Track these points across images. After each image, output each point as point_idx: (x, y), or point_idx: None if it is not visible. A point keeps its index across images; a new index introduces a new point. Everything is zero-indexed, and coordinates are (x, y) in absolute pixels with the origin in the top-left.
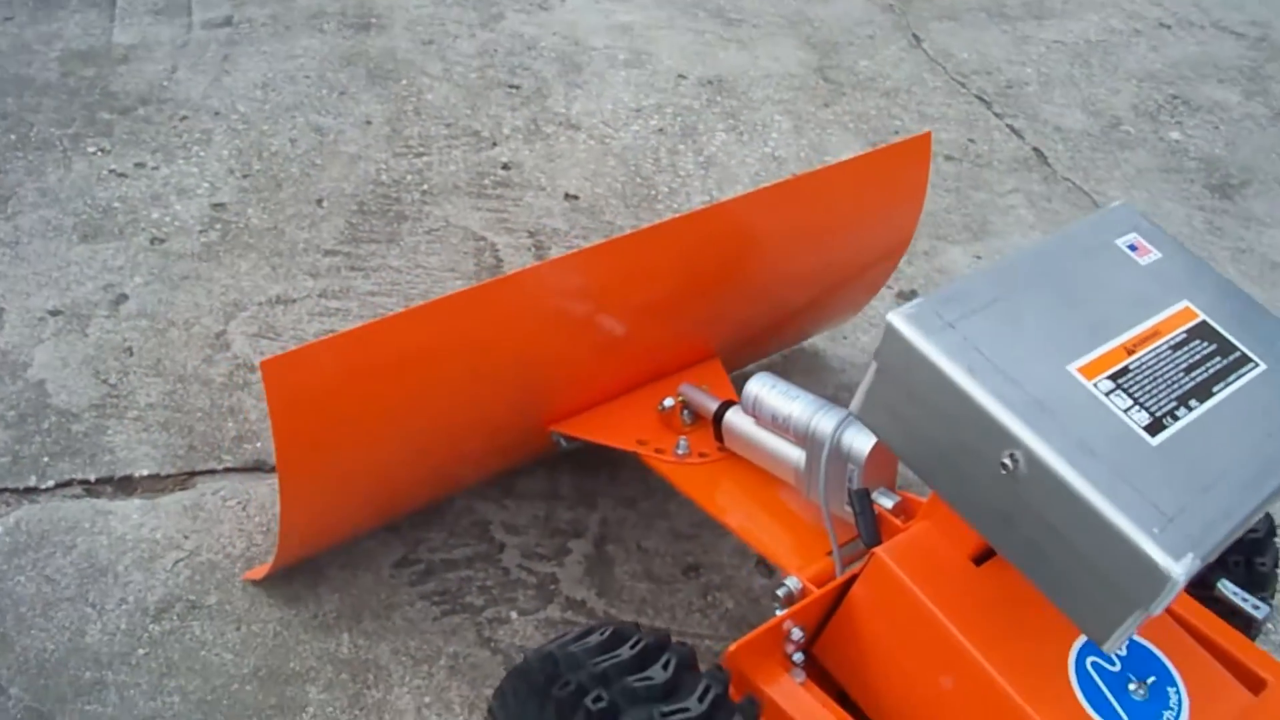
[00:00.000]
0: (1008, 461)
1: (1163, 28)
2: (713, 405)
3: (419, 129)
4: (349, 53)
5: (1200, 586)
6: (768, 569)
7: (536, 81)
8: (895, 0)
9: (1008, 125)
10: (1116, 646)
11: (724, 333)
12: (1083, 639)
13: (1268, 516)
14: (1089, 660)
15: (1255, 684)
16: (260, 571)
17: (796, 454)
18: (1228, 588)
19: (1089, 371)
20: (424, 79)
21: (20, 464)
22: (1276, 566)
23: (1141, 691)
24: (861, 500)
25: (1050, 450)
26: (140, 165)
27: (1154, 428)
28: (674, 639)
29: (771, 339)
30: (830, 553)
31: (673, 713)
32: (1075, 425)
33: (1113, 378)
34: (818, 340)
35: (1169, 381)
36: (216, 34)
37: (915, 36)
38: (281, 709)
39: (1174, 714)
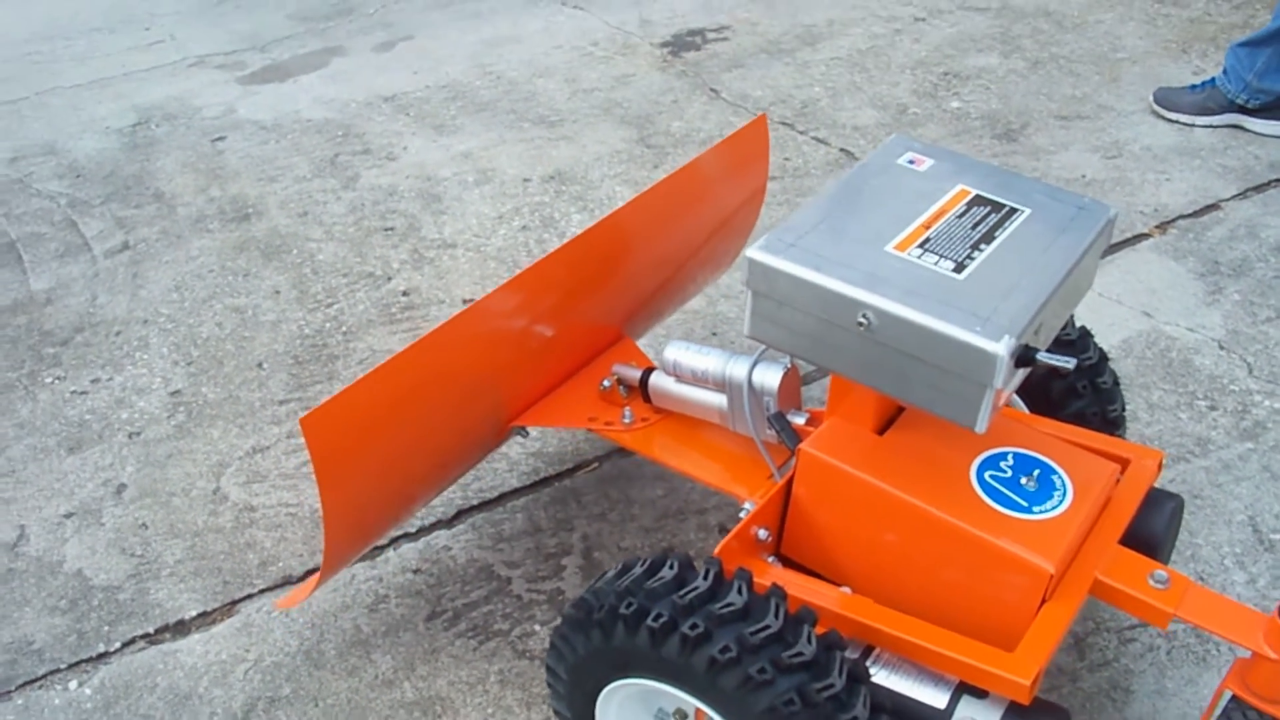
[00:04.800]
0: (862, 319)
1: (919, 22)
2: (637, 375)
3: (321, 285)
4: (238, 242)
5: (1056, 409)
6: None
7: (406, 219)
8: (686, 66)
9: (813, 137)
10: (986, 425)
11: (628, 315)
12: (976, 461)
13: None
14: (986, 474)
15: (1122, 464)
16: (294, 599)
17: (719, 399)
18: (1041, 355)
19: (901, 246)
20: (310, 244)
21: (85, 639)
22: (1117, 384)
23: (1031, 483)
24: (780, 420)
25: (887, 301)
26: (95, 380)
27: (958, 268)
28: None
29: (667, 305)
30: (771, 476)
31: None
32: (901, 281)
33: (920, 245)
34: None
35: (961, 238)
36: (119, 259)
37: (713, 90)
38: None
39: (1061, 492)
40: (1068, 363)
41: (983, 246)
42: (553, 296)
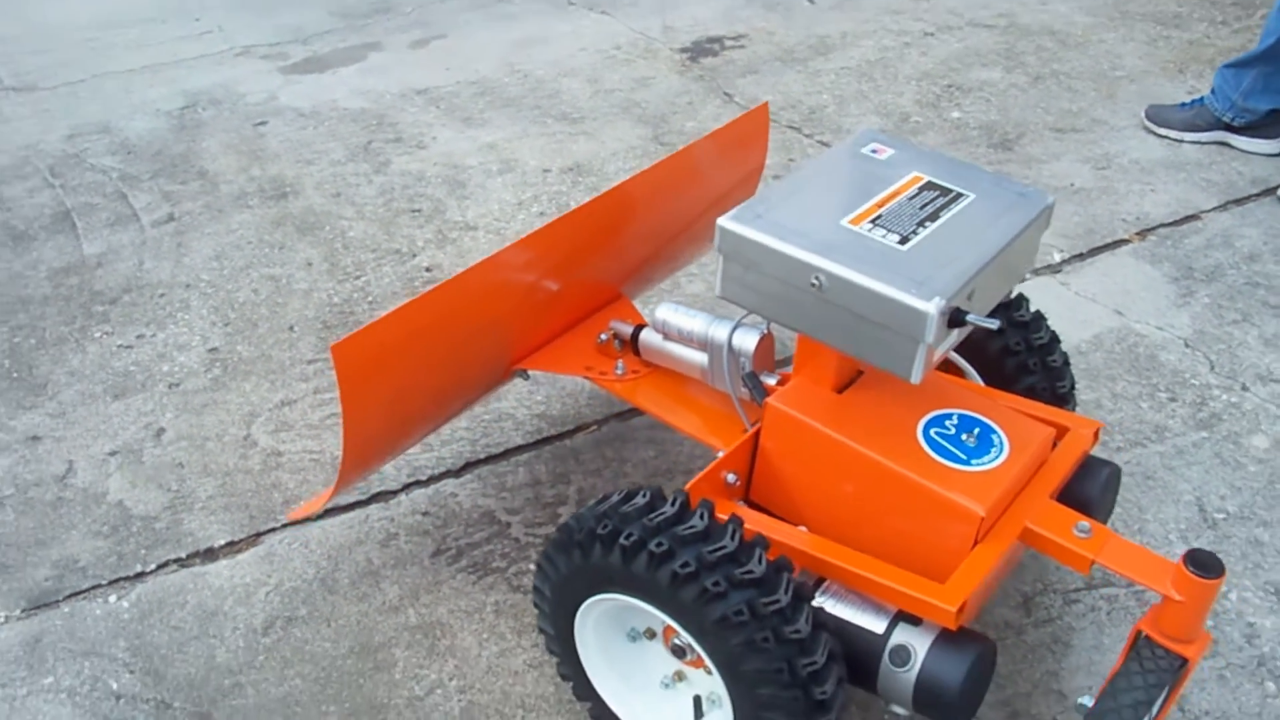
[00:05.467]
0: (814, 281)
1: (928, 36)
2: (630, 330)
3: (351, 259)
4: (276, 217)
5: (1009, 383)
6: None
7: (432, 203)
8: (703, 71)
9: (818, 141)
10: (920, 376)
11: (626, 276)
12: (924, 419)
13: (1045, 325)
14: (932, 431)
15: (1060, 431)
16: (307, 510)
17: (701, 357)
18: (971, 317)
19: (855, 221)
20: (343, 222)
21: (124, 560)
22: (1067, 364)
23: (972, 440)
24: (752, 379)
25: (837, 265)
26: (140, 336)
27: (903, 241)
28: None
29: (662, 271)
30: (744, 429)
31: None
32: (851, 249)
33: (872, 221)
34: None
35: (910, 216)
36: (165, 229)
37: (726, 94)
38: (378, 668)
39: (998, 448)
40: (993, 324)
41: (928, 224)
42: (559, 255)
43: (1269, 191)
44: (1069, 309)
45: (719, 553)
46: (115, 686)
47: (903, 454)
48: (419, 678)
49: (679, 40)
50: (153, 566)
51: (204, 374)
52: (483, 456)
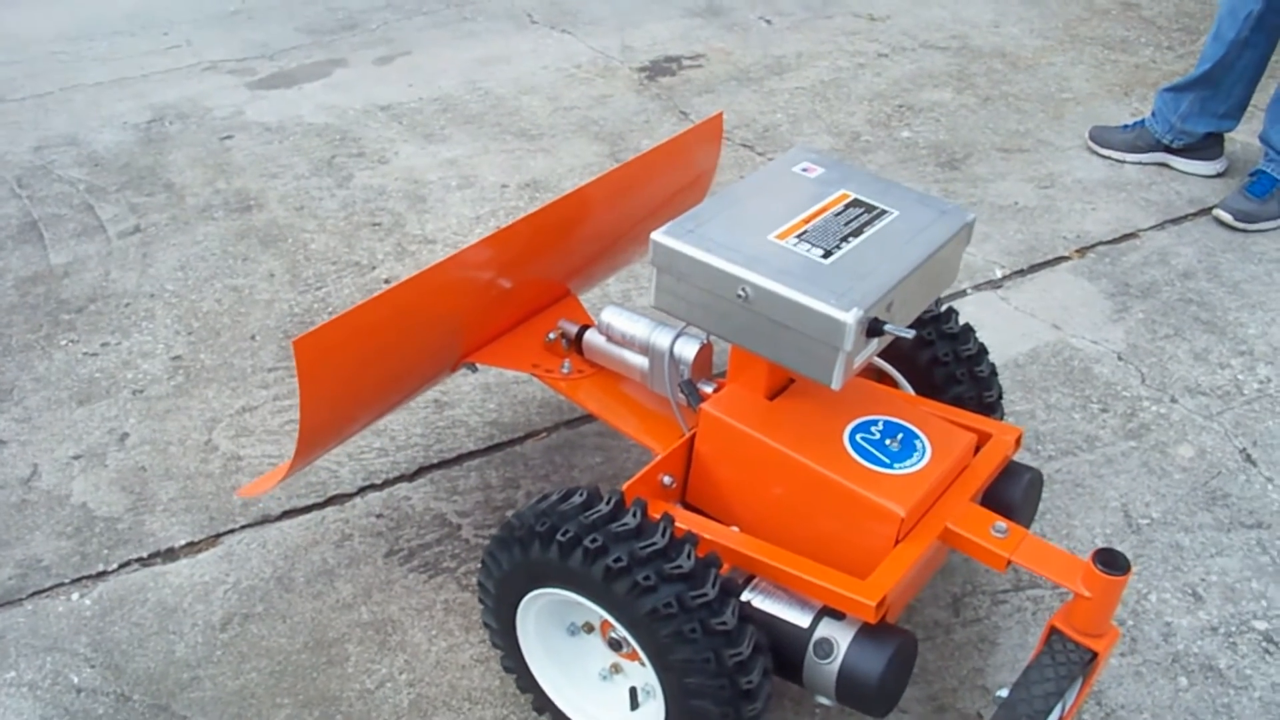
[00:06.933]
0: (741, 292)
1: (881, 57)
2: (576, 330)
3: (312, 271)
4: (240, 230)
5: (938, 392)
6: None
7: (393, 216)
8: (660, 89)
9: (769, 158)
10: (840, 383)
11: (576, 276)
12: (850, 425)
13: (974, 338)
14: (858, 436)
15: (983, 438)
16: (257, 488)
17: (641, 360)
18: (888, 327)
19: (782, 236)
20: (305, 235)
21: (87, 559)
22: (994, 374)
23: (895, 445)
24: (689, 386)
25: (762, 278)
26: (105, 344)
27: (826, 255)
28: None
29: (610, 270)
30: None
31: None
32: (776, 263)
33: (798, 236)
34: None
35: (834, 231)
36: (131, 239)
37: (682, 112)
38: (331, 662)
39: (920, 453)
40: (908, 333)
41: (851, 239)
42: (512, 257)
43: (1205, 211)
44: (1008, 323)
45: (649, 549)
46: (76, 680)
47: (829, 458)
48: (370, 671)
49: (637, 60)
50: (115, 566)
51: (167, 381)
52: (436, 461)
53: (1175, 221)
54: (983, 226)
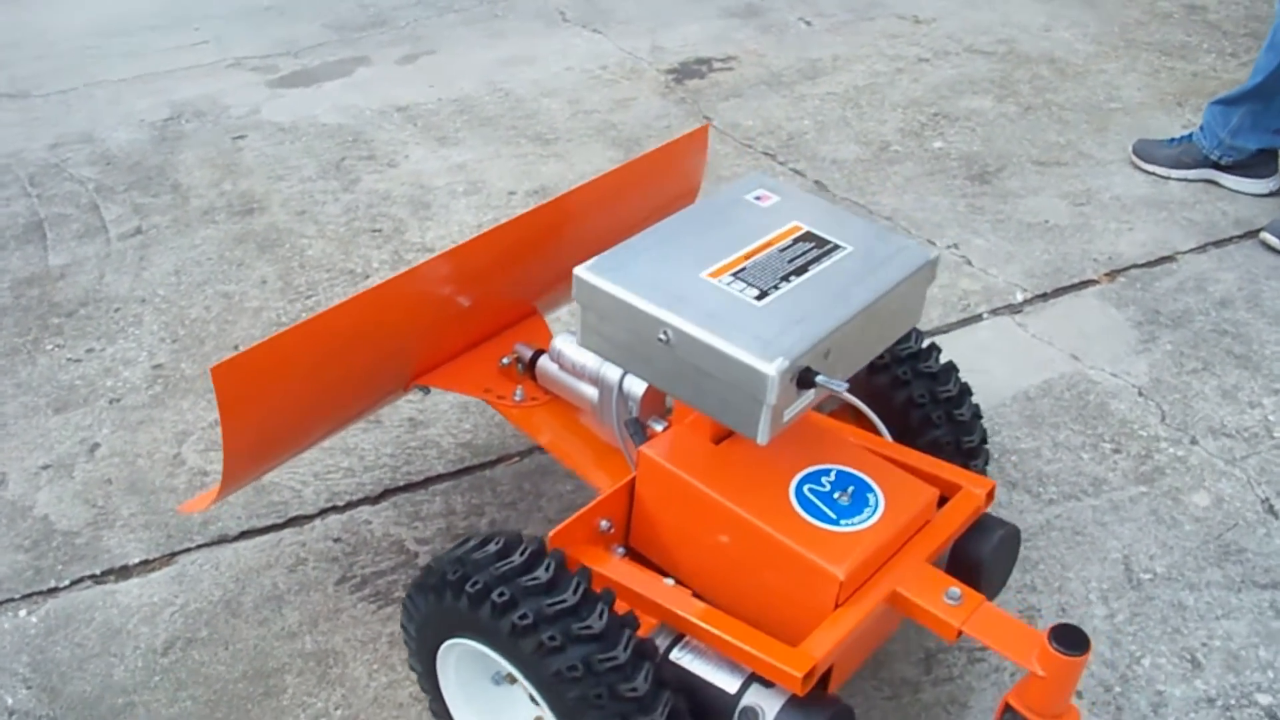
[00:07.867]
0: (662, 336)
1: (922, 62)
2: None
3: (305, 278)
4: (239, 234)
5: (915, 436)
6: None
7: (394, 223)
8: (686, 93)
9: (791, 169)
10: (766, 438)
11: (543, 294)
12: (799, 475)
13: (955, 378)
14: (805, 487)
15: (952, 490)
16: (195, 506)
17: (591, 391)
18: (820, 379)
19: (716, 274)
20: (303, 240)
21: (41, 574)
22: (978, 417)
23: (845, 498)
24: (633, 425)
25: (684, 321)
26: (90, 350)
27: (761, 296)
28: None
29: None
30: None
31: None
32: (703, 304)
33: (734, 274)
34: None
35: (774, 270)
36: (131, 242)
37: (706, 117)
38: (268, 694)
39: (872, 508)
40: (841, 386)
41: (792, 278)
42: (473, 271)
43: (1252, 234)
44: (1023, 352)
45: (558, 606)
46: (10, 702)
47: (769, 511)
48: (306, 705)
49: (666, 61)
50: (67, 582)
51: (145, 390)
52: (402, 484)
53: (1218, 244)
54: (1007, 246)
